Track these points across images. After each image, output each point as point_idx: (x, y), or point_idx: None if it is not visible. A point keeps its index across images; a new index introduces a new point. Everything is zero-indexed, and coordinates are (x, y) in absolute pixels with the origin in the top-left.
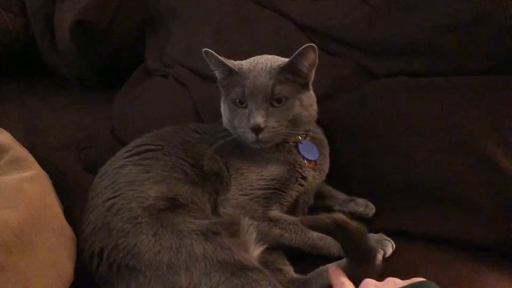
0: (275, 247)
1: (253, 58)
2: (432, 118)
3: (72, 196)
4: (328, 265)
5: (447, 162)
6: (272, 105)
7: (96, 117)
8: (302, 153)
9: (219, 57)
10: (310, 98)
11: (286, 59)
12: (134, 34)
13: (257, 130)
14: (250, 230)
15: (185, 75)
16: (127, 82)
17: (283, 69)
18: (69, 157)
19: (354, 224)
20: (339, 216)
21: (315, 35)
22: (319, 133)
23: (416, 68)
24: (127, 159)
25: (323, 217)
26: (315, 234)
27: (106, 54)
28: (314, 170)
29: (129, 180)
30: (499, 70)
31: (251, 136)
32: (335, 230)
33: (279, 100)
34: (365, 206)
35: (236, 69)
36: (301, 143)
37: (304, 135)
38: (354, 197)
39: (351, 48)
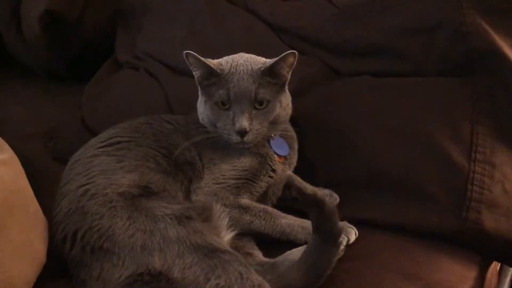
0: (245, 234)
1: (231, 57)
2: (392, 115)
3: (39, 184)
4: (294, 249)
5: (406, 156)
6: (255, 108)
7: (63, 108)
8: (273, 148)
9: (201, 58)
10: (287, 98)
11: (264, 59)
12: (105, 26)
13: (242, 133)
14: (222, 216)
15: (156, 68)
16: (97, 73)
17: (264, 72)
18: (35, 147)
19: (330, 205)
20: (321, 193)
21: (284, 34)
22: (290, 130)
23: (380, 68)
24: (100, 149)
25: (309, 189)
26: (284, 221)
27: (76, 45)
28: (283, 164)
29: (103, 169)
30: (455, 72)
31: (236, 138)
32: (313, 204)
33: (261, 103)
34: (329, 196)
35: (218, 71)
36: (273, 139)
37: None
38: (319, 188)
39: (318, 47)
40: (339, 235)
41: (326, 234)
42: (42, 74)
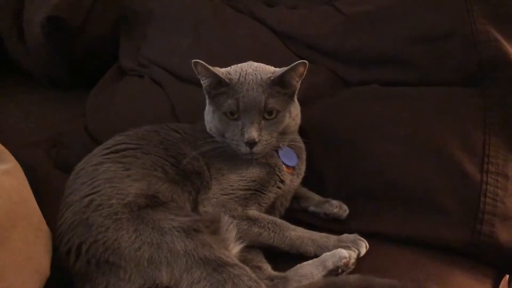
0: (253, 246)
1: (239, 66)
2: (402, 125)
3: (42, 193)
4: (305, 262)
5: (417, 167)
6: (264, 118)
7: (66, 116)
8: (282, 158)
9: (210, 67)
10: (296, 108)
11: (273, 68)
12: (108, 33)
13: (251, 144)
14: (230, 228)
15: (161, 76)
16: (101, 80)
17: (273, 82)
18: (37, 155)
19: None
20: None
21: (291, 42)
22: (298, 140)
23: (388, 77)
24: (105, 156)
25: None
26: (293, 234)
27: (79, 52)
28: (292, 174)
29: (108, 177)
30: (466, 82)
31: (244, 148)
32: None
33: (270, 113)
34: (339, 208)
35: (227, 80)
36: (281, 149)
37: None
38: (328, 199)
39: (326, 56)
40: None
41: None
42: (44, 81)
